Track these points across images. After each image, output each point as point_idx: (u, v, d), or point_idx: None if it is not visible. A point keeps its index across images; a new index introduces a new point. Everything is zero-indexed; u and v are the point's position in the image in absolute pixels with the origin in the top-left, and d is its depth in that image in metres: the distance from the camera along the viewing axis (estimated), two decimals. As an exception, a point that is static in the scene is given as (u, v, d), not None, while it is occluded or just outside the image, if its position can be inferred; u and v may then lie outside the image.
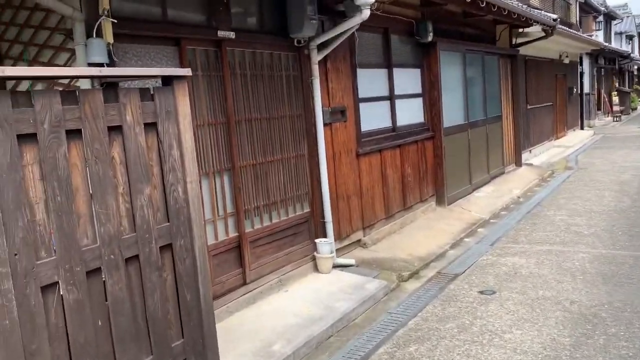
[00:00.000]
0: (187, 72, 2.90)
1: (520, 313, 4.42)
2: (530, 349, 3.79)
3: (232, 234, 4.68)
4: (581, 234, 6.64)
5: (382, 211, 6.65)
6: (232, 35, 4.58)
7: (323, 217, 5.54)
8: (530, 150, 13.86)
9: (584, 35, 16.34)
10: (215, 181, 4.52)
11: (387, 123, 6.94)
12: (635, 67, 36.25)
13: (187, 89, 2.90)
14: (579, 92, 20.14)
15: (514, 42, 11.74)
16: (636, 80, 37.58)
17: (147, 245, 2.69)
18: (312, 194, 5.50)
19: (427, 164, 7.79)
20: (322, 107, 5.53)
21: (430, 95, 7.90)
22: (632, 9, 40.07)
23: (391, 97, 6.98)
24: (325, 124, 5.60)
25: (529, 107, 13.62)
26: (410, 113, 7.52)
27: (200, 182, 3.93)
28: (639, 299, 4.51)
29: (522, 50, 12.73)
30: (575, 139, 17.47)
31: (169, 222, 2.81)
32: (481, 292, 4.98)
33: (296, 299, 4.76)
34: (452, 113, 8.50)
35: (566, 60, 16.85)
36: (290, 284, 5.06)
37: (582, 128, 20.51)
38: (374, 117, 6.64)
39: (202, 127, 4.40)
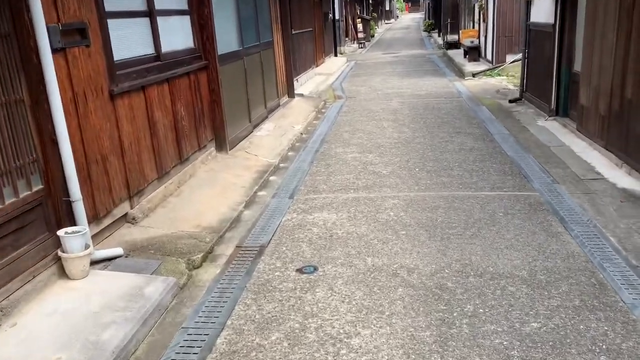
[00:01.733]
0: None
1: (358, 299, 3.45)
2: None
3: None
4: (380, 174, 6.04)
5: (154, 170, 4.97)
6: None
7: (67, 193, 3.66)
8: (297, 79, 13.22)
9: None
10: None
11: (150, 49, 5.12)
12: (371, -4, 38.88)
13: None
14: (331, 18, 20.29)
15: (280, -43, 10.53)
16: (371, 8, 40.59)
17: None
18: (44, 162, 3.56)
19: (203, 102, 6.25)
20: (48, 24, 3.50)
21: (200, 12, 6.22)
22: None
23: (151, 12, 5.12)
24: (55, 50, 3.60)
25: (293, 32, 12.80)
26: (178, 36, 5.79)
27: None
28: (474, 255, 3.95)
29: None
30: (333, 66, 17.58)
31: None
32: (300, 271, 3.88)
33: (29, 340, 2.95)
34: (225, 37, 6.99)
35: (323, -16, 16.45)
36: (20, 312, 3.18)
37: (336, 55, 20.93)
38: (130, 41, 4.77)
39: None
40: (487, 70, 13.18)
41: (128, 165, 4.51)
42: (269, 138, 7.71)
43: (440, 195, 5.24)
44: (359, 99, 11.34)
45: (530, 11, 9.17)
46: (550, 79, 7.92)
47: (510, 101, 9.75)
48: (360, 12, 31.92)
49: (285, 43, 10.66)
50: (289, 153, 7.20)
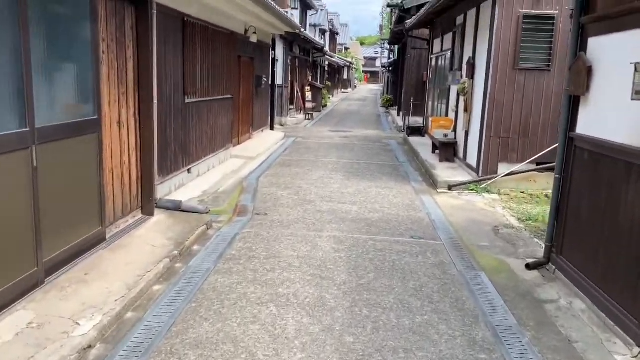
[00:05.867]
0: None
1: None
2: None
3: None
4: None
5: None
6: None
7: None
8: (189, 170, 8.67)
9: (277, 7, 12.20)
10: None
11: None
12: (327, 62, 35.73)
13: None
14: (269, 82, 16.15)
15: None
16: (327, 76, 37.30)
17: None
18: None
19: None
20: None
21: None
22: (326, 4, 39.95)
23: None
24: None
25: (188, 100, 8.38)
26: None
27: None
28: None
29: (176, 4, 7.39)
30: (262, 144, 13.21)
31: None
32: None
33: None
34: None
35: (254, 39, 12.31)
36: None
37: (272, 128, 16.67)
38: None
39: None
40: (471, 182, 9.04)
41: None
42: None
43: None
44: (270, 220, 6.83)
45: (577, 114, 5.06)
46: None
47: (529, 267, 5.45)
48: (312, 79, 28.26)
49: (144, 121, 6.15)
50: None
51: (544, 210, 7.88)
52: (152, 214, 6.26)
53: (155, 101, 6.75)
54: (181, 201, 7.14)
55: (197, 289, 4.58)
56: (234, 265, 5.18)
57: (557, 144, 8.76)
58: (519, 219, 7.34)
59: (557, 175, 5.36)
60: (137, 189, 6.12)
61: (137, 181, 6.13)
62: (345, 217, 7.10)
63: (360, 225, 6.74)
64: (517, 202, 8.41)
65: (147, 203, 6.24)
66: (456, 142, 11.07)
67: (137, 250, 5.14)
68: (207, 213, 7.03)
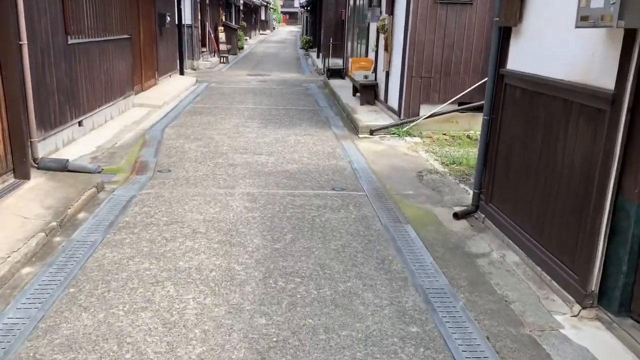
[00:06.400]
0: None
1: None
2: None
3: None
4: None
5: None
6: None
7: None
8: (80, 122, 7.58)
9: None
10: None
11: None
12: (242, 1, 33.79)
13: None
14: (176, 22, 14.74)
15: None
16: (242, 16, 35.41)
17: None
18: None
19: None
20: None
21: None
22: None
23: None
24: None
25: (72, 40, 7.18)
26: None
27: None
28: None
29: None
30: (170, 90, 12.05)
31: None
32: None
33: None
34: None
35: (152, -30, 10.93)
36: None
37: (182, 73, 15.38)
38: None
39: None
40: (393, 126, 8.58)
41: None
42: None
43: None
44: (174, 177, 6.03)
45: (508, 49, 4.57)
46: (585, 219, 3.32)
47: (457, 216, 5.08)
48: (226, 19, 26.55)
49: (6, 64, 5.03)
50: None
51: (467, 152, 7.60)
52: (27, 177, 5.27)
53: (25, 41, 5.61)
54: (67, 160, 6.15)
55: (78, 268, 3.79)
56: (126, 235, 4.40)
57: (479, 82, 8.50)
58: (442, 163, 6.99)
59: (486, 117, 4.92)
60: (4, 149, 5.08)
61: (5, 140, 5.09)
62: (261, 170, 6.42)
63: (277, 179, 6.10)
64: (439, 144, 8.07)
65: (20, 164, 5.23)
66: (377, 83, 10.53)
67: (3, 225, 4.22)
68: (99, 172, 6.11)
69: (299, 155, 7.22)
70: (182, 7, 15.32)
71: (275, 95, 12.91)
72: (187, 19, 16.92)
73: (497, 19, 4.60)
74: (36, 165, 6.00)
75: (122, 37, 9.48)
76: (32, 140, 5.95)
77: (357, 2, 13.68)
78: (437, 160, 7.16)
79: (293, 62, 23.58)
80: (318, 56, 23.46)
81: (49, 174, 5.70)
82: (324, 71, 17.52)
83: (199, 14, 19.24)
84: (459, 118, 8.60)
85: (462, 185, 6.06)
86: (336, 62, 17.18)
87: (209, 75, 16.85)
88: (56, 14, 6.75)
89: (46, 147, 6.51)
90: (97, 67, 8.26)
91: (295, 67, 21.49)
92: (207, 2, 21.12)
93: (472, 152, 7.59)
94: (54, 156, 6.52)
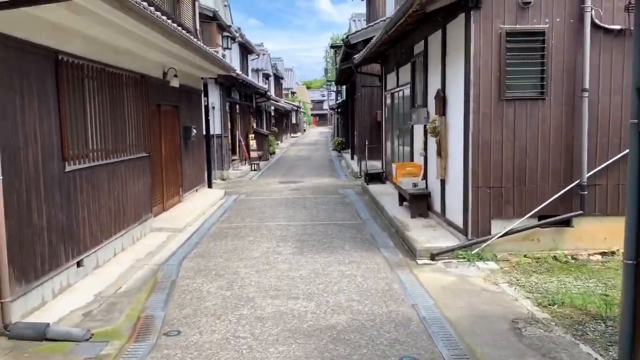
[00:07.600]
0: None
1: None
2: None
3: None
4: None
5: None
6: None
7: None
8: (79, 263, 6.25)
9: (203, 45, 10.11)
10: None
11: None
12: (272, 107, 33.93)
13: None
14: (203, 133, 13.92)
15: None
16: (274, 122, 35.46)
17: None
18: None
19: None
20: None
21: None
22: (268, 49, 38.51)
23: None
24: None
25: (71, 167, 6.04)
26: None
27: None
28: None
29: (40, 36, 5.16)
30: (195, 208, 10.83)
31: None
32: None
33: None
34: None
35: (175, 83, 10.13)
36: None
37: (209, 185, 14.32)
38: None
39: None
40: (460, 248, 6.96)
41: None
42: None
43: None
44: (184, 346, 4.45)
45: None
46: None
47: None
48: (257, 125, 26.21)
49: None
50: None
51: (561, 282, 5.91)
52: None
53: (-3, 177, 4.42)
54: (48, 324, 4.72)
55: None
56: None
57: (562, 191, 6.94)
58: (539, 304, 5.27)
59: (630, 261, 3.30)
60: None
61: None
62: (298, 328, 4.82)
63: (320, 343, 4.47)
64: (522, 271, 6.38)
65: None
66: (429, 192, 9.07)
67: None
68: (87, 340, 4.62)
69: (346, 297, 5.62)
70: (210, 117, 14.61)
71: (310, 206, 11.57)
72: (216, 129, 16.26)
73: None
74: (7, 334, 4.59)
75: (138, 156, 8.42)
76: (2, 301, 4.60)
77: (396, 101, 12.64)
78: (528, 298, 5.45)
79: (326, 165, 22.61)
80: (352, 158, 22.48)
81: (16, 351, 4.24)
82: (360, 174, 16.31)
83: (229, 123, 18.66)
84: (540, 235, 6.96)
85: (582, 347, 4.30)
86: (373, 165, 16.00)
87: (239, 185, 15.80)
88: (51, 139, 5.66)
89: (28, 302, 5.14)
90: (106, 193, 7.08)
91: (329, 170, 20.42)
92: (238, 110, 20.70)
93: (569, 283, 5.88)
94: (36, 315, 5.12)
